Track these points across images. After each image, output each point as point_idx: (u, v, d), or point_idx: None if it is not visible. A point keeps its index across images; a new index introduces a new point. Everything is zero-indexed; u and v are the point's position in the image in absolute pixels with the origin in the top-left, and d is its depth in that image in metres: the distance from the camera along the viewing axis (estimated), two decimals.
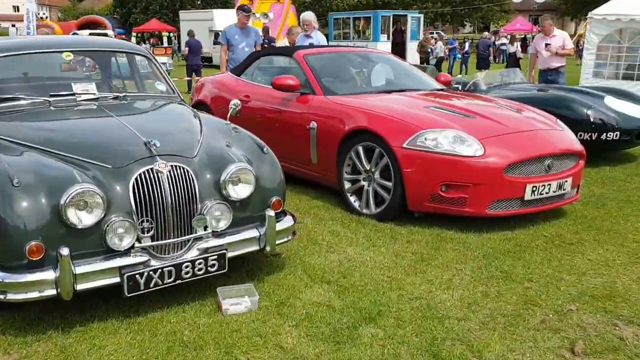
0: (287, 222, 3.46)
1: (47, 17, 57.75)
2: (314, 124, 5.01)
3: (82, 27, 42.12)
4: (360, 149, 4.60)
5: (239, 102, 4.18)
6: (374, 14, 22.47)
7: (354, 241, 4.14)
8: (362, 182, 4.66)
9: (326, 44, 8.45)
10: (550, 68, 8.96)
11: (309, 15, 8.33)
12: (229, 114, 4.04)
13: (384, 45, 22.49)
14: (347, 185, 4.78)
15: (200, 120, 3.69)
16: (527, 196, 4.25)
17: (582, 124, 6.46)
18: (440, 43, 21.28)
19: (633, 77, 14.60)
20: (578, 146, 4.66)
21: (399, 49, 23.12)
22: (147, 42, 42.91)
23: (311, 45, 7.51)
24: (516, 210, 4.31)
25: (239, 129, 3.71)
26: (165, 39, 42.35)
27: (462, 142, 4.21)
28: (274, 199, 3.35)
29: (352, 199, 4.76)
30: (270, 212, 3.25)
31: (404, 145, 4.27)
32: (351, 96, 5.10)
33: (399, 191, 4.36)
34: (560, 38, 8.93)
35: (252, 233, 3.24)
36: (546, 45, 8.87)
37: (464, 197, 4.18)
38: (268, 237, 3.24)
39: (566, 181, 4.44)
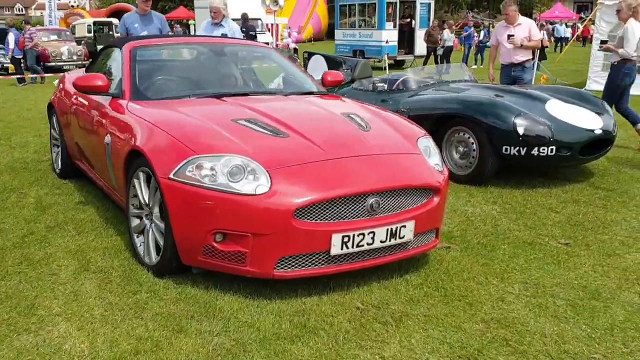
0: None
1: (77, 5, 57.99)
2: (108, 138, 3.91)
3: (111, 15, 41.91)
4: (141, 175, 3.46)
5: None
6: (379, 0, 21.03)
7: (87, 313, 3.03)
8: (145, 220, 3.54)
9: (239, 36, 7.28)
10: (513, 63, 7.55)
11: (215, 1, 7.16)
12: None
13: (390, 33, 21.05)
14: (133, 222, 3.65)
15: None
16: (335, 250, 3.04)
17: (507, 135, 5.16)
18: (447, 31, 19.68)
19: None
20: (429, 179, 3.39)
21: (406, 38, 21.70)
22: (174, 30, 42.43)
23: (155, 35, 6.31)
24: (320, 270, 3.11)
25: None
26: (191, 27, 41.70)
27: (243, 174, 3.03)
28: None
29: (137, 241, 3.64)
30: None
31: (171, 176, 3.11)
32: (160, 102, 3.96)
33: (170, 238, 3.22)
34: (526, 27, 7.50)
35: None
36: (509, 36, 7.45)
37: (243, 252, 3.01)
38: None
39: (404, 226, 3.21)
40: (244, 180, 3.00)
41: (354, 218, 3.08)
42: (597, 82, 13.54)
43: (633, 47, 6.99)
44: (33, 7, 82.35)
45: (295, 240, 2.97)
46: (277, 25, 32.97)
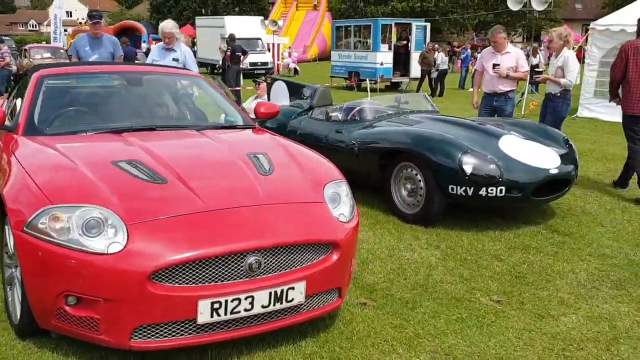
0: None
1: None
2: None
3: (118, 33, 42.07)
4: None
5: None
6: (374, 22, 20.73)
7: None
8: (14, 271, 3.17)
9: (191, 60, 6.97)
10: (496, 92, 7.14)
11: (168, 25, 6.86)
12: None
13: (385, 55, 20.74)
14: (6, 272, 3.29)
15: None
16: (204, 318, 2.65)
17: (453, 173, 4.78)
18: (442, 54, 19.37)
19: None
20: (325, 233, 3.01)
21: (402, 60, 21.39)
22: None
23: (72, 63, 6.01)
24: (187, 340, 2.71)
25: None
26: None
27: (101, 229, 2.66)
28: None
29: (9, 294, 3.27)
30: None
31: (25, 228, 2.75)
32: (52, 138, 3.61)
33: (25, 298, 2.85)
34: (514, 57, 7.09)
35: None
36: (494, 65, 7.06)
37: (95, 319, 2.63)
38: None
39: (292, 288, 2.82)
40: (102, 235, 2.64)
41: (228, 280, 2.70)
42: (588, 109, 13.14)
43: (575, 76, 6.64)
44: (45, 23, 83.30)
45: (153, 308, 2.59)
46: (279, 45, 32.94)
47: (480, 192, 4.75)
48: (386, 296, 3.68)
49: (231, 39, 15.06)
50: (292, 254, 2.86)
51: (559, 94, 6.71)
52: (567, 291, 3.81)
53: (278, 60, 32.16)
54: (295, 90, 7.40)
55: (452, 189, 4.81)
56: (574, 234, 4.93)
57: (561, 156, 5.16)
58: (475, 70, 7.95)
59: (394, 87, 21.99)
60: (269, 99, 7.91)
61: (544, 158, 5.05)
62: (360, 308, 3.50)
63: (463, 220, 5.20)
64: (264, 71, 28.84)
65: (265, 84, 8.03)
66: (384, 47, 20.87)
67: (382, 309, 3.51)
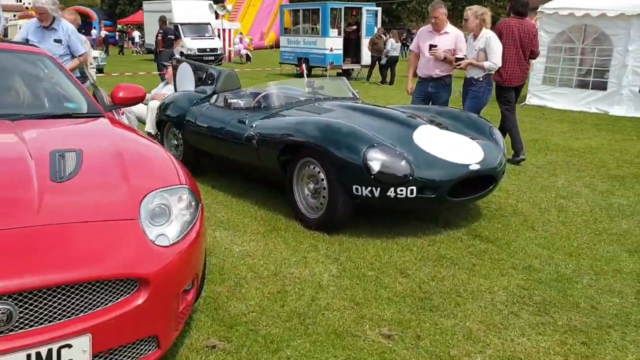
0: None
1: (31, 7, 56.09)
2: None
3: None
4: None
5: None
6: (323, 6, 19.82)
7: None
8: None
9: (76, 38, 6.00)
10: (432, 77, 6.40)
11: (43, 0, 5.87)
12: None
13: (335, 40, 19.91)
14: None
15: None
16: None
17: (357, 171, 4.00)
18: (392, 40, 18.60)
19: (588, 85, 11.96)
20: (127, 265, 2.17)
21: (353, 47, 20.60)
22: (126, 35, 40.91)
23: None
24: None
25: None
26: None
27: None
28: None
29: None
30: None
31: None
32: None
33: None
34: (452, 37, 6.34)
35: None
36: (431, 46, 6.29)
37: None
38: None
39: (67, 346, 1.98)
40: None
41: None
42: (537, 96, 12.59)
43: (499, 58, 5.97)
44: None
45: None
46: (230, 30, 31.76)
47: (389, 193, 3.99)
48: (248, 333, 2.88)
49: (162, 21, 14.01)
50: (70, 296, 2.02)
51: (481, 79, 6.03)
52: (478, 319, 3.07)
53: (229, 46, 31.05)
54: (198, 73, 6.51)
55: (357, 189, 4.03)
56: (498, 240, 4.21)
57: (485, 149, 4.43)
58: (410, 50, 7.15)
59: (345, 75, 21.23)
60: (174, 84, 7.00)
61: (464, 152, 4.31)
62: (206, 354, 2.68)
63: (375, 225, 4.44)
64: (213, 57, 27.74)
65: (172, 68, 7.11)
66: (333, 32, 20.06)
67: (236, 353, 2.70)
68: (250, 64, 27.58)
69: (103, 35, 37.36)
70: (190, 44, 27.59)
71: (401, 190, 3.98)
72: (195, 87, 6.50)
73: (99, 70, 21.91)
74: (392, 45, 18.42)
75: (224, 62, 27.90)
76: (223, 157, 5.46)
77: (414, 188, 3.98)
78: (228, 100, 5.44)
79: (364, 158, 3.96)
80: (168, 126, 6.19)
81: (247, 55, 29.90)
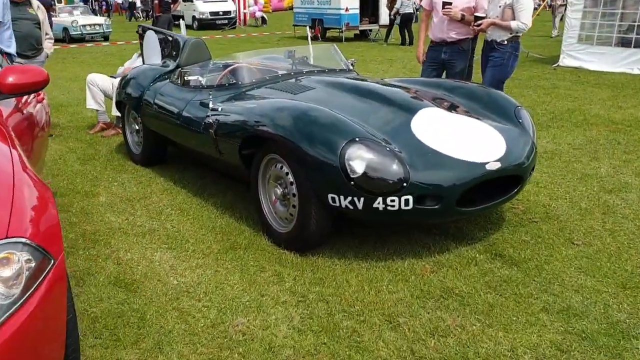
0: None
1: None
2: None
3: None
4: None
5: None
6: None
7: None
8: None
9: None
10: (446, 41, 5.26)
11: None
12: None
13: (351, 0, 18.55)
14: None
15: None
16: None
17: (333, 175, 2.95)
18: None
19: (631, 43, 10.53)
20: None
21: (370, 6, 19.23)
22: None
23: None
24: None
25: None
26: None
27: None
28: None
29: None
30: None
31: None
32: None
33: None
34: None
35: None
36: (445, 4, 5.12)
37: None
38: None
39: None
40: None
41: None
42: (572, 56, 11.22)
43: (529, 17, 4.79)
44: None
45: None
46: None
47: (376, 205, 2.94)
48: None
49: None
50: None
51: (505, 42, 4.87)
52: None
53: (244, 8, 29.68)
54: (164, 43, 5.45)
55: (333, 199, 3.00)
56: (525, 263, 3.15)
57: (507, 138, 3.33)
58: (422, 8, 5.95)
59: (363, 36, 19.89)
60: (142, 56, 5.96)
61: (480, 144, 3.22)
62: None
63: (365, 238, 3.42)
64: (226, 21, 26.53)
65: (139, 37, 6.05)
66: None
67: None
68: (267, 27, 26.28)
69: (121, 1, 36.24)
70: (202, 7, 26.40)
71: (392, 201, 2.93)
72: (162, 59, 5.46)
73: (105, 38, 20.96)
74: (403, 2, 16.86)
75: (238, 25, 26.68)
76: (184, 146, 4.46)
77: (410, 197, 2.92)
78: (185, 77, 4.40)
79: (342, 157, 2.91)
80: (127, 108, 5.19)
81: (262, 17, 28.54)
